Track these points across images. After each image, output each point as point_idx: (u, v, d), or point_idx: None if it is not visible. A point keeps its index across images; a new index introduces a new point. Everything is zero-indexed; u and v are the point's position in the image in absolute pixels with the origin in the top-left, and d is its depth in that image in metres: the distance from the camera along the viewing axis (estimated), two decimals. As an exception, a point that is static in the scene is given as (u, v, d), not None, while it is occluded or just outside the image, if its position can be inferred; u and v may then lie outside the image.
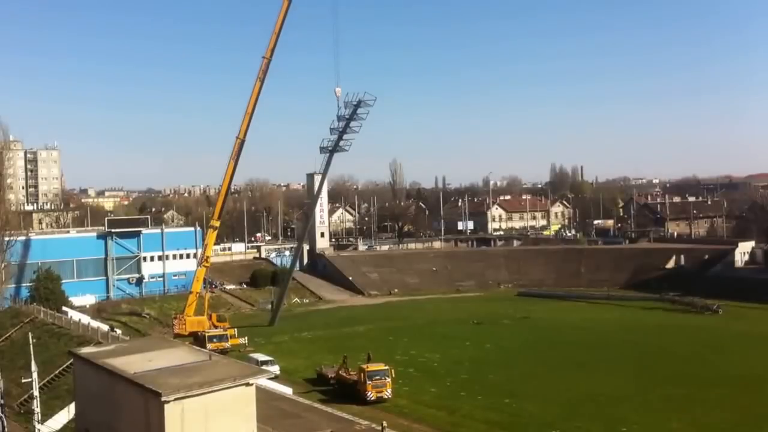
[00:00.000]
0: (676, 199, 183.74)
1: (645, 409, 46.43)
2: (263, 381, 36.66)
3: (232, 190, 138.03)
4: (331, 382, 54.02)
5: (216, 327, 76.77)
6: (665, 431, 42.46)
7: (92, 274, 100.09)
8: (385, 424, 31.86)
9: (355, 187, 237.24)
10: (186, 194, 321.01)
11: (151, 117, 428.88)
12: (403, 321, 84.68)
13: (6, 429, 34.37)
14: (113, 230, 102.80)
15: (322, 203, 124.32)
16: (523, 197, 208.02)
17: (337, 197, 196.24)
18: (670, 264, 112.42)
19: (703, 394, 49.67)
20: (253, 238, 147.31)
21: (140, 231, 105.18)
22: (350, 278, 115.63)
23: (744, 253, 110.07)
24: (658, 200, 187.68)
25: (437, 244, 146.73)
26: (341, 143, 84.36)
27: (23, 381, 37.30)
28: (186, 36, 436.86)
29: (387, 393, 49.39)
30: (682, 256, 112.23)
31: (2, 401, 34.53)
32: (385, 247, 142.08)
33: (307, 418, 36.98)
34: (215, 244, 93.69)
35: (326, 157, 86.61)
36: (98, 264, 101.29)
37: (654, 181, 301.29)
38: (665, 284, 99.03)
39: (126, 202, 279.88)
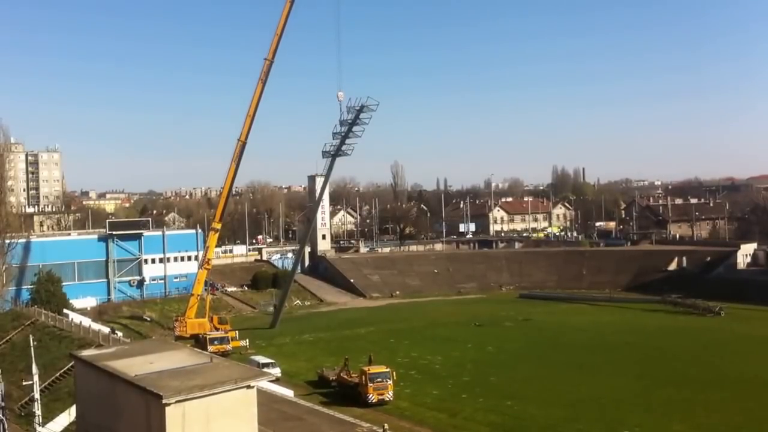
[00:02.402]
0: (678, 201, 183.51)
1: (647, 411, 46.31)
2: (264, 383, 36.56)
3: (234, 193, 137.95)
4: (332, 385, 53.95)
5: (217, 329, 76.74)
6: (667, 433, 42.35)
7: (93, 277, 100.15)
8: (386, 426, 31.74)
9: (356, 189, 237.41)
10: (187, 196, 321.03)
11: (152, 119, 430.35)
12: (404, 323, 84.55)
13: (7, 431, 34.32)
14: (114, 232, 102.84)
15: (324, 206, 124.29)
16: (525, 199, 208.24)
17: (339, 199, 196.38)
18: (672, 266, 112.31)
19: (705, 396, 49.54)
20: (254, 241, 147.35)
21: (141, 233, 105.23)
22: (351, 280, 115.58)
23: (746, 255, 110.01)
24: (660, 202, 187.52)
25: (438, 246, 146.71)
26: (343, 147, 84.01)
27: (24, 383, 37.23)
28: (187, 37, 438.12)
29: (388, 395, 49.28)
30: (684, 258, 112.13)
31: (3, 404, 34.43)
32: (387, 249, 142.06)
33: (309, 420, 36.90)
34: (216, 246, 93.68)
35: (328, 161, 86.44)
36: (99, 266, 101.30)
37: (656, 183, 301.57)
38: (667, 286, 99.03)
39: (127, 205, 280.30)
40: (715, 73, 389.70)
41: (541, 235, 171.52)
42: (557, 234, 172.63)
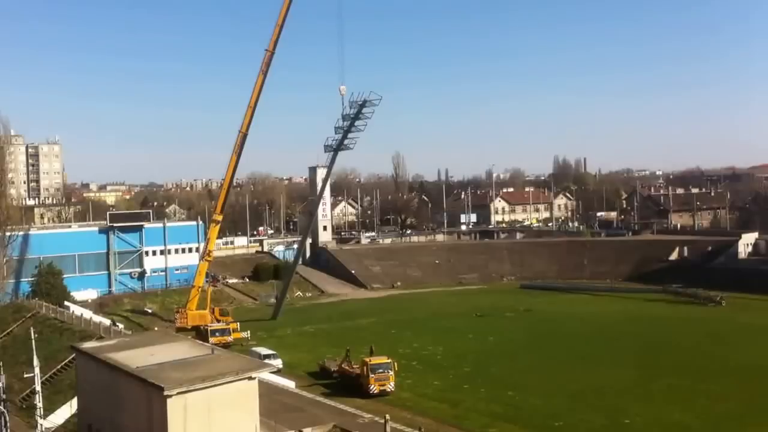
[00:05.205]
0: (680, 191, 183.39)
1: (648, 400, 46.37)
2: (266, 375, 36.63)
3: (235, 184, 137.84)
4: (333, 376, 54.01)
5: (218, 321, 76.76)
6: (668, 423, 42.32)
7: (94, 269, 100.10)
8: (388, 417, 31.77)
9: (357, 180, 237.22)
10: (188, 188, 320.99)
11: (153, 111, 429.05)
12: (405, 314, 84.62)
13: (8, 424, 34.33)
14: (115, 224, 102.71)
15: (325, 197, 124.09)
16: (526, 189, 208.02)
17: (340, 190, 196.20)
18: (674, 256, 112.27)
19: (707, 385, 49.61)
20: (255, 232, 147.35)
21: (142, 225, 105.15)
22: (353, 271, 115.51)
23: (747, 244, 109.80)
24: (662, 192, 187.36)
25: (440, 237, 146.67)
26: (346, 141, 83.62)
27: (25, 376, 37.22)
28: (188, 29, 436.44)
29: (390, 386, 49.33)
30: (686, 248, 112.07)
31: (4, 396, 34.46)
32: (388, 240, 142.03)
33: (310, 411, 36.99)
34: (217, 238, 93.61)
35: (331, 155, 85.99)
36: (100, 258, 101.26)
37: (657, 173, 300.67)
38: (668, 276, 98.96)
39: (128, 197, 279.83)
40: (716, 62, 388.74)
41: (504, 224, 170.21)
42: (537, 226, 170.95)
